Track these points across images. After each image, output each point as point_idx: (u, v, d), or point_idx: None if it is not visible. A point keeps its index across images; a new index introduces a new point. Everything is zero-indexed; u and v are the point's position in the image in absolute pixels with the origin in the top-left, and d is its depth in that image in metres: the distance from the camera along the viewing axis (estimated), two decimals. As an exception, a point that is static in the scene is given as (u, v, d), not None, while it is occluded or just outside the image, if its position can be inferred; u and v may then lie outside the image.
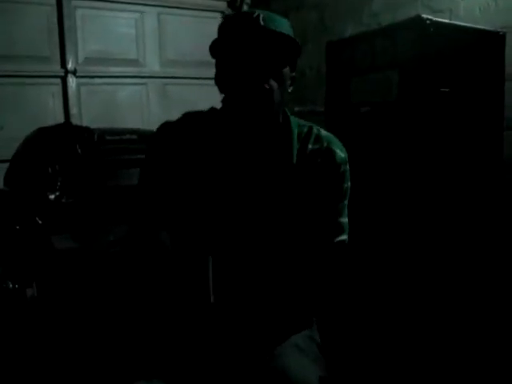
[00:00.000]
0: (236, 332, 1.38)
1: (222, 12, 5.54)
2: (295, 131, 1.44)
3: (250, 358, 1.34)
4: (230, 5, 5.58)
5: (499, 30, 2.71)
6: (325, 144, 1.46)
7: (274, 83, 1.30)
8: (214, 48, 1.36)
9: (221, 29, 1.36)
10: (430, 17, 2.36)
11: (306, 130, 1.47)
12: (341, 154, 1.47)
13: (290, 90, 1.42)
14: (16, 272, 2.74)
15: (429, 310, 2.39)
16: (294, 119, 1.48)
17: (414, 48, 2.38)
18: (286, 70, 1.36)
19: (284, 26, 1.33)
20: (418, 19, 2.37)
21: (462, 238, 2.51)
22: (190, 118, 1.46)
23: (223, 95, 1.40)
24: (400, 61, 2.45)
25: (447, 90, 2.40)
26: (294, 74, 1.42)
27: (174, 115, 1.50)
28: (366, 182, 2.66)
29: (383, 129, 2.56)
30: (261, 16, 1.27)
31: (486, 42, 2.64)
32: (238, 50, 1.29)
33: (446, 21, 2.71)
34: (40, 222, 2.75)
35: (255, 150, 1.40)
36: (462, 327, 2.46)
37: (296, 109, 4.31)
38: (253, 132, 1.37)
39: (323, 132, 1.49)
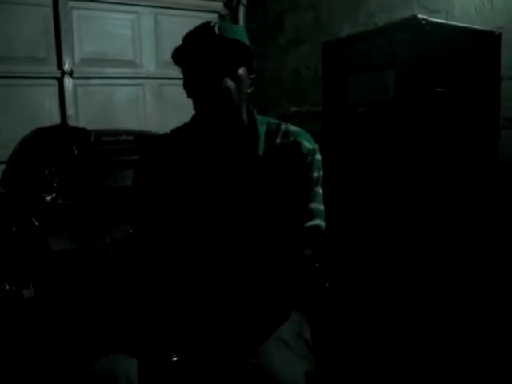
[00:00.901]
0: (219, 327, 1.41)
1: (218, 13, 5.54)
2: (262, 128, 1.54)
3: (234, 354, 1.36)
4: (226, 5, 5.58)
5: (495, 30, 2.71)
6: (291, 138, 1.53)
7: (230, 82, 1.41)
8: (177, 57, 1.49)
9: (183, 39, 1.49)
10: (425, 17, 2.37)
11: (274, 127, 1.56)
12: (308, 145, 1.52)
13: (249, 91, 1.51)
14: (13, 273, 2.74)
15: (418, 309, 2.39)
16: (261, 118, 1.57)
17: (411, 48, 2.39)
18: (242, 71, 1.45)
19: (238, 32, 1.45)
20: (414, 19, 2.37)
21: (458, 237, 2.52)
22: (166, 135, 1.62)
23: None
24: (396, 61, 2.45)
25: (443, 89, 2.41)
26: (252, 76, 1.51)
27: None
28: (363, 181, 2.67)
29: (380, 129, 2.56)
30: (216, 26, 1.41)
31: (481, 42, 2.64)
32: (195, 56, 1.42)
33: (442, 21, 2.72)
34: (36, 223, 2.75)
35: (223, 148, 1.50)
36: (446, 318, 2.46)
37: (293, 109, 4.33)
38: (218, 129, 1.48)
39: (292, 128, 1.57)
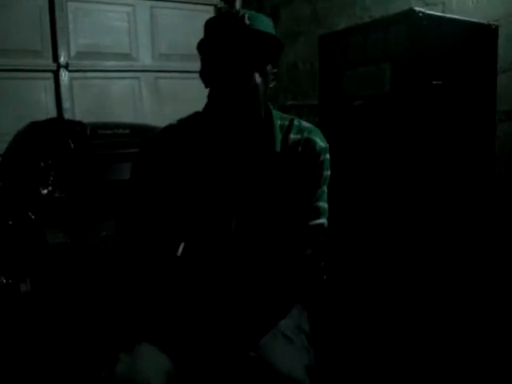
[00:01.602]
0: (220, 321, 1.41)
1: (214, 6, 5.52)
2: (277, 123, 1.52)
3: (235, 348, 1.36)
4: (222, -2, 5.56)
5: (492, 22, 2.71)
6: (305, 134, 1.52)
7: (258, 79, 1.37)
8: (202, 46, 1.44)
9: (208, 28, 1.43)
10: (422, 10, 2.36)
11: (287, 122, 1.55)
12: (321, 143, 1.53)
13: (271, 86, 1.48)
14: (9, 267, 2.74)
15: (415, 301, 2.40)
16: (276, 113, 1.55)
17: (407, 41, 2.38)
18: (270, 66, 1.43)
19: (267, 25, 1.40)
20: (411, 12, 2.37)
21: (454, 230, 2.52)
22: (173, 126, 1.55)
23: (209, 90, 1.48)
24: (393, 54, 2.45)
25: (440, 82, 2.41)
26: (275, 70, 1.49)
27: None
28: (360, 174, 2.67)
29: (376, 122, 2.56)
30: (246, 16, 1.35)
31: (478, 34, 2.64)
32: (225, 48, 1.36)
33: (439, 14, 2.71)
34: (33, 216, 2.74)
35: (240, 143, 1.47)
36: (443, 309, 2.47)
37: (289, 103, 4.32)
38: (238, 125, 1.44)
39: (304, 123, 1.56)
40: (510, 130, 2.85)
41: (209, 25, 1.43)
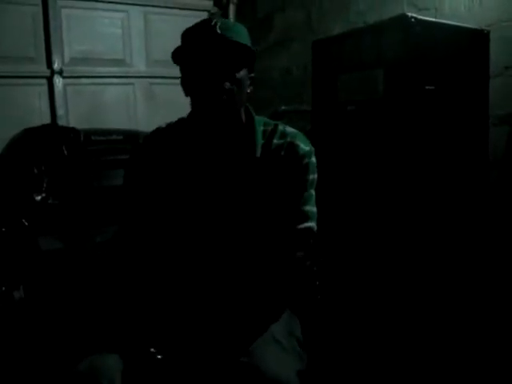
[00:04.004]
0: (210, 326, 1.41)
1: (208, 11, 5.53)
2: (259, 128, 1.53)
3: (226, 354, 1.36)
4: (216, 4, 5.57)
5: (484, 27, 2.73)
6: (288, 139, 1.53)
7: (230, 86, 1.39)
8: (177, 55, 1.46)
9: (182, 37, 1.46)
10: (415, 15, 2.37)
11: (271, 127, 1.56)
12: (304, 147, 1.53)
13: (248, 90, 1.50)
14: (3, 274, 2.73)
15: (406, 305, 2.40)
16: (259, 118, 1.57)
17: (400, 46, 2.39)
18: (243, 72, 1.44)
19: (239, 32, 1.43)
20: (404, 17, 2.38)
21: (447, 234, 2.53)
22: (161, 129, 1.58)
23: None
24: (386, 59, 2.45)
25: (432, 87, 2.42)
26: (252, 74, 1.51)
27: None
28: (353, 179, 2.67)
29: (370, 127, 2.57)
30: (218, 24, 1.38)
31: (470, 40, 2.65)
32: (196, 56, 1.39)
33: (432, 19, 2.72)
34: (26, 223, 2.73)
35: (221, 148, 1.49)
36: (433, 312, 2.48)
37: (282, 108, 4.32)
38: (217, 130, 1.47)
39: (289, 129, 1.57)
40: (503, 135, 2.85)
41: (184, 34, 1.46)
